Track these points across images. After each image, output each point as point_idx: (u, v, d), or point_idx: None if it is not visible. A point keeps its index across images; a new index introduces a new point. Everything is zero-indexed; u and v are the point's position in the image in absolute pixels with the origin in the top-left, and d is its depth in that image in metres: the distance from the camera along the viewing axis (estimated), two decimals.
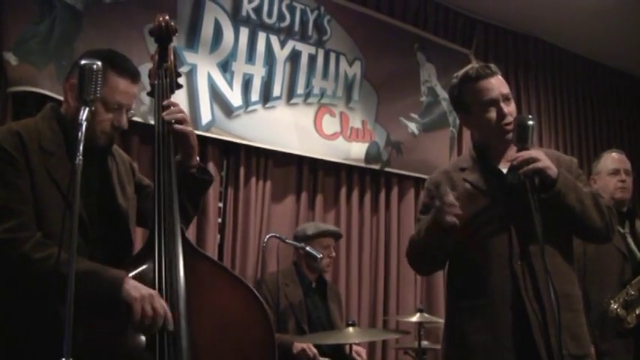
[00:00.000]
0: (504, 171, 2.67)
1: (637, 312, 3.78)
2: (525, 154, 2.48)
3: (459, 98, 2.78)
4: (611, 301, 3.79)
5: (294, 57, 5.27)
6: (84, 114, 2.07)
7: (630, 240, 4.02)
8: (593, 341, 3.75)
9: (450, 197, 2.47)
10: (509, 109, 2.66)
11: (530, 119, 2.57)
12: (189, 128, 2.60)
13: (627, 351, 3.74)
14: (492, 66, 2.76)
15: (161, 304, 2.22)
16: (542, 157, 2.50)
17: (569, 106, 7.43)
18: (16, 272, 2.23)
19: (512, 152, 2.63)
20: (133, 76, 2.50)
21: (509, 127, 2.61)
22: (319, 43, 5.42)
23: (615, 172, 4.12)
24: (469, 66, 2.80)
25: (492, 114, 2.66)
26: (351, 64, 5.59)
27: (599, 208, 2.59)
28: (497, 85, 2.69)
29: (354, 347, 4.34)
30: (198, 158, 2.69)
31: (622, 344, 3.76)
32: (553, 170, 2.49)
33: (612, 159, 4.20)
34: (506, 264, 2.58)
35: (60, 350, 1.78)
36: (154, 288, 2.28)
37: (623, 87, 8.06)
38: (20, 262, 2.19)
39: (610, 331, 3.78)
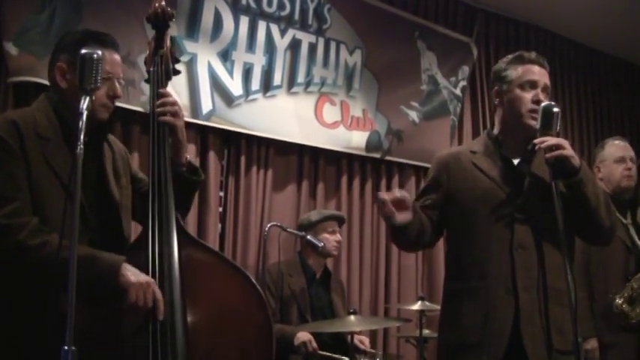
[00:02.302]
0: (515, 162, 2.73)
1: None
2: (553, 140, 2.51)
3: (504, 71, 2.82)
4: (616, 297, 3.79)
5: (294, 46, 5.26)
6: (84, 103, 2.07)
7: (633, 231, 4.01)
8: (597, 333, 3.76)
9: (384, 196, 2.57)
10: (544, 99, 2.69)
11: (556, 106, 2.58)
12: (180, 122, 2.59)
13: (632, 345, 3.75)
14: (546, 62, 2.82)
15: (152, 294, 2.24)
16: (567, 145, 2.52)
17: (569, 94, 7.41)
18: (12, 259, 2.23)
19: (527, 146, 2.69)
20: (114, 46, 2.55)
21: (536, 115, 2.61)
22: (319, 32, 5.41)
23: (621, 159, 4.09)
24: (526, 51, 2.88)
25: (528, 94, 2.72)
26: (351, 52, 5.59)
27: (608, 208, 2.63)
28: (543, 74, 2.77)
29: (357, 336, 4.35)
30: (188, 156, 2.68)
31: (627, 337, 3.77)
32: (576, 160, 2.52)
33: (617, 147, 4.17)
34: (506, 250, 2.60)
35: (59, 336, 1.79)
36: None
37: (624, 75, 8.04)
38: (15, 250, 2.20)
39: (614, 324, 3.78)
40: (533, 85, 2.73)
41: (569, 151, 2.50)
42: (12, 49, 4.03)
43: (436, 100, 6.07)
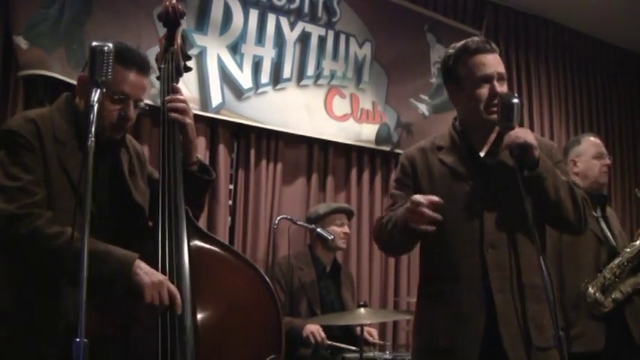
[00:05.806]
0: (482, 155, 2.63)
1: (613, 296, 3.77)
2: (513, 134, 2.43)
3: (453, 69, 2.70)
4: (589, 286, 3.78)
5: (303, 38, 5.26)
6: (95, 95, 2.05)
7: (603, 224, 4.01)
8: (566, 325, 3.76)
9: (434, 198, 2.42)
10: (502, 89, 2.58)
11: (515, 97, 2.50)
12: (188, 120, 2.56)
13: (600, 333, 3.74)
14: (493, 43, 2.68)
15: (168, 292, 2.23)
16: (530, 136, 2.45)
17: (579, 87, 7.39)
18: (28, 247, 2.21)
19: (493, 136, 2.61)
20: (140, 67, 2.45)
21: (495, 109, 2.53)
22: (329, 25, 5.40)
23: (600, 155, 4.08)
24: (469, 38, 2.70)
25: (484, 90, 2.57)
26: (361, 45, 5.58)
27: (574, 199, 2.53)
28: (495, 62, 2.61)
29: (366, 328, 4.36)
30: (199, 155, 2.66)
31: (595, 326, 3.76)
32: (537, 151, 2.45)
33: (595, 143, 4.15)
34: (476, 251, 2.53)
35: (67, 329, 1.79)
36: (157, 269, 2.28)
37: (634, 67, 8.01)
38: (33, 237, 2.18)
39: (584, 314, 3.78)
40: (487, 79, 2.58)
41: (531, 139, 2.42)
42: (22, 42, 4.04)
43: (445, 92, 5.96)
